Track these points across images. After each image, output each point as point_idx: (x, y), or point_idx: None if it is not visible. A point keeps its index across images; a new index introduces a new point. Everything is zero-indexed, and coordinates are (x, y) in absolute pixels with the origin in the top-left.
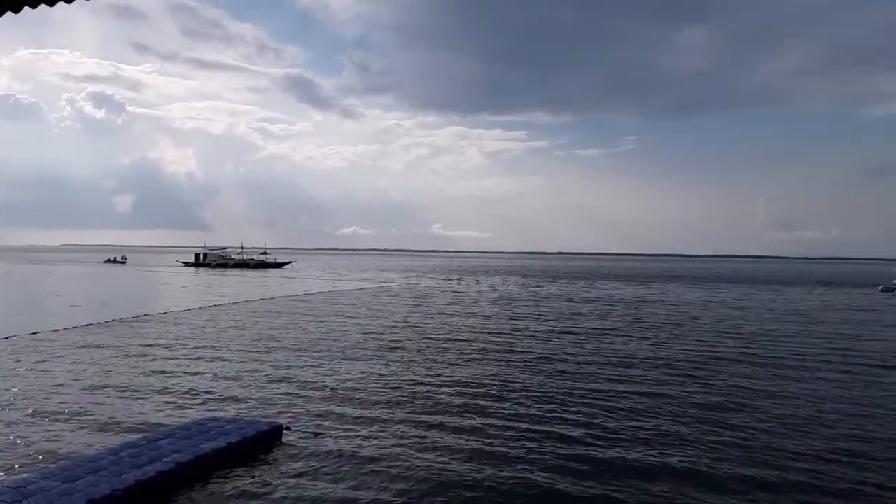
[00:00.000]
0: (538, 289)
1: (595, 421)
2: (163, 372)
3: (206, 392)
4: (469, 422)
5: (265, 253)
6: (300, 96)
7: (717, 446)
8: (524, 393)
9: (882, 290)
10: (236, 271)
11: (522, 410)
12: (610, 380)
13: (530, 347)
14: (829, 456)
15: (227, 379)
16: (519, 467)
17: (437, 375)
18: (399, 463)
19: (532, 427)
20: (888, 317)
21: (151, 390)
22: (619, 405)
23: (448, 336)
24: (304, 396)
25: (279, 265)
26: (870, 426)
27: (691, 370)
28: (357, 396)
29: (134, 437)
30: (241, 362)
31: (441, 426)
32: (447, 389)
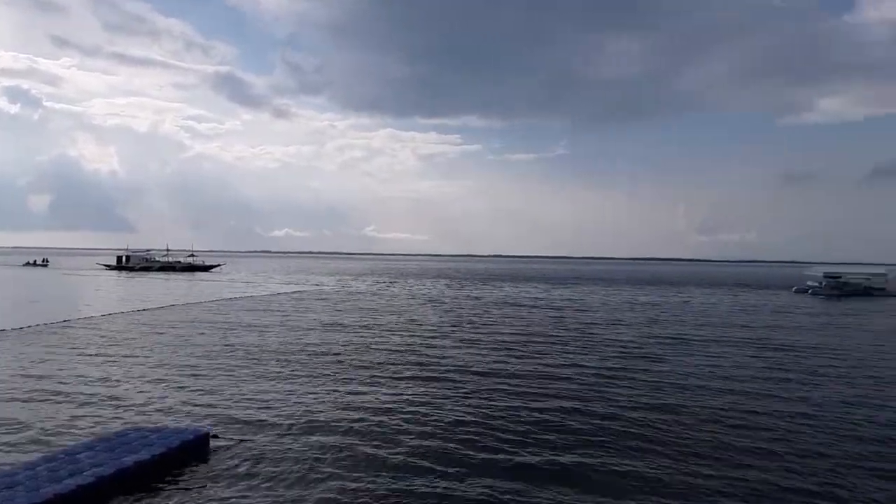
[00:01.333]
0: (466, 291)
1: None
2: (82, 380)
3: (128, 400)
4: (391, 424)
5: (192, 255)
6: (230, 95)
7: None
8: (441, 397)
9: (795, 292)
10: (161, 275)
11: (438, 414)
12: (517, 387)
13: (448, 351)
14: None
15: (150, 386)
16: (433, 476)
17: (360, 379)
18: (328, 468)
19: (446, 430)
20: (800, 317)
21: (70, 400)
22: (519, 412)
23: (370, 341)
24: (231, 402)
25: (207, 268)
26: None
27: (600, 372)
28: (283, 401)
29: (51, 450)
30: (165, 368)
31: (364, 431)
32: (370, 394)
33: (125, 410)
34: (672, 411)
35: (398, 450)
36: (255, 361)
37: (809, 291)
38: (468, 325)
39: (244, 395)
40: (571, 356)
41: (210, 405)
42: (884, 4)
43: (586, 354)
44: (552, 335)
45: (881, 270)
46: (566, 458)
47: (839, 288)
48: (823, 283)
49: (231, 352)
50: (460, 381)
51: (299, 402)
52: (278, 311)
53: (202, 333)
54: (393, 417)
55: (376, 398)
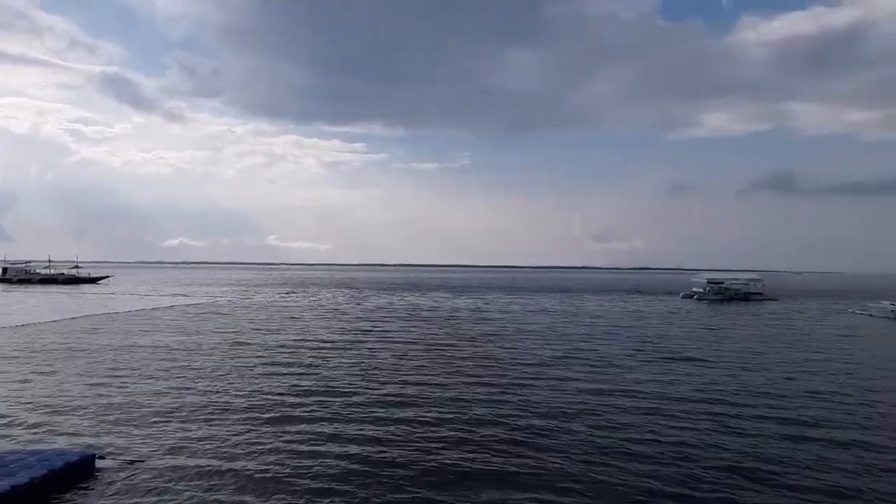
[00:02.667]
0: (369, 301)
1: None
2: None
3: (5, 420)
4: (284, 435)
5: (77, 267)
6: (118, 95)
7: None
8: (336, 403)
9: (683, 297)
10: (42, 287)
11: (330, 417)
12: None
13: (344, 358)
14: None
15: (31, 406)
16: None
17: (255, 392)
18: (219, 491)
19: (339, 431)
20: (687, 320)
21: None
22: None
23: (263, 353)
24: (118, 422)
25: (93, 280)
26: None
27: (487, 373)
28: (175, 420)
29: None
30: (46, 388)
31: (257, 452)
32: (264, 405)
33: (7, 431)
34: (561, 417)
35: (289, 471)
36: (145, 380)
37: (695, 297)
38: (361, 334)
39: (135, 414)
40: (459, 364)
41: (97, 425)
42: (760, 27)
43: (479, 360)
44: (442, 343)
45: (757, 277)
46: (447, 458)
47: (721, 293)
48: (707, 289)
49: (119, 370)
50: (351, 392)
51: (191, 423)
52: (168, 325)
53: (85, 350)
54: (286, 435)
55: (270, 418)
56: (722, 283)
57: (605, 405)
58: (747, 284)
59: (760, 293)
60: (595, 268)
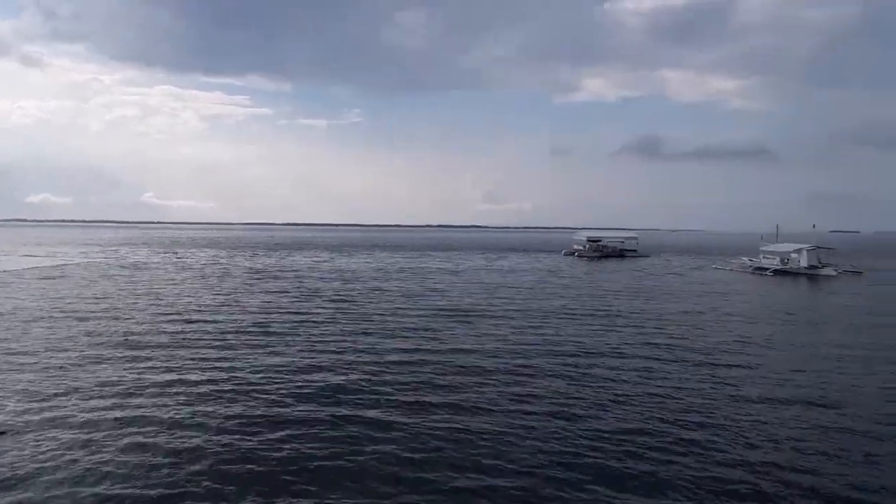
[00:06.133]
0: (252, 262)
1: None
2: None
3: None
4: (147, 408)
5: None
6: None
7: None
8: (199, 372)
9: (564, 254)
10: None
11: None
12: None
13: (203, 325)
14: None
15: None
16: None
17: (120, 364)
18: (90, 461)
19: (204, 408)
20: (564, 276)
21: None
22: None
23: (124, 321)
24: None
25: None
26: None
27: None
28: (42, 390)
29: None
30: None
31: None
32: (140, 381)
33: None
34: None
35: (153, 441)
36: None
37: (576, 254)
38: (230, 299)
39: None
40: (340, 326)
41: None
42: None
43: (358, 324)
44: (310, 305)
45: (633, 235)
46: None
47: (599, 250)
48: (587, 247)
49: None
50: (220, 353)
51: (62, 392)
52: (26, 289)
53: None
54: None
55: (138, 384)
56: (600, 240)
57: (475, 362)
58: (623, 242)
59: (635, 250)
60: (484, 227)
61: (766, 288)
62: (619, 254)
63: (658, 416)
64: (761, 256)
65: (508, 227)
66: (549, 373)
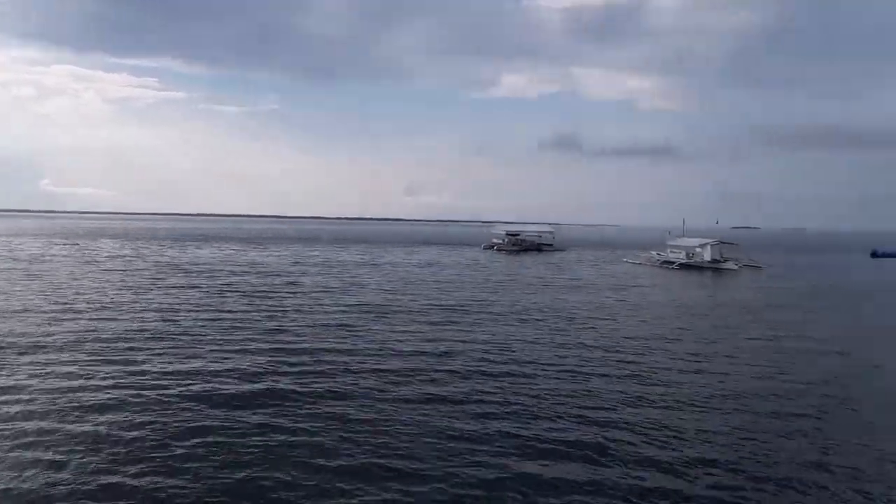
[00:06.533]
0: (152, 256)
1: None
2: None
3: None
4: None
5: None
6: None
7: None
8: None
9: (484, 248)
10: None
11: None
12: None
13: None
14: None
15: None
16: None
17: (17, 368)
18: None
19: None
20: (481, 269)
21: None
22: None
23: (24, 319)
24: None
25: None
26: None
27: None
28: None
29: None
30: None
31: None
32: (35, 387)
33: None
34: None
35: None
36: None
37: (494, 248)
38: (136, 295)
39: None
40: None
41: None
42: None
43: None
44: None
45: (549, 229)
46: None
47: (518, 244)
48: (506, 240)
49: None
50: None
51: None
52: None
53: None
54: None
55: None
56: (518, 234)
57: (392, 358)
58: (540, 236)
59: (551, 244)
60: (404, 220)
61: (671, 281)
62: (537, 248)
63: (570, 411)
64: (668, 251)
65: (429, 220)
66: (466, 370)
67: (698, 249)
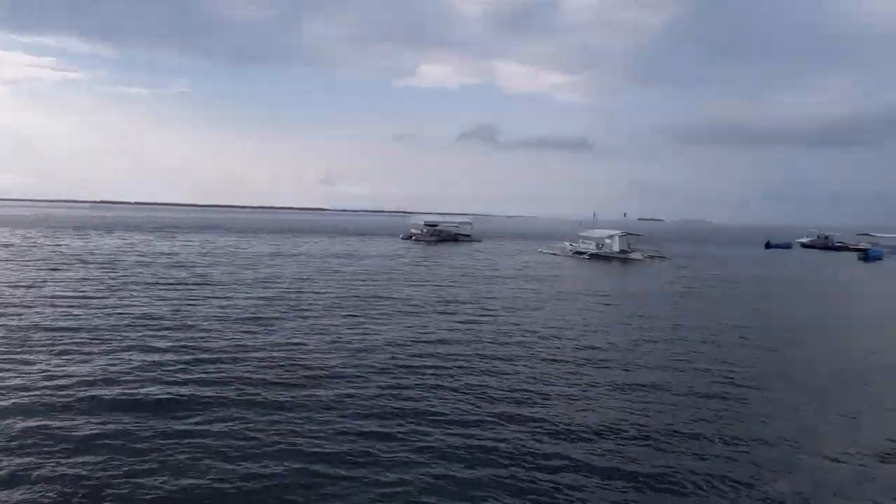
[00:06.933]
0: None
1: None
2: None
3: None
4: None
5: None
6: None
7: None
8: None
9: (402, 238)
10: None
11: None
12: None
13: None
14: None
15: None
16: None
17: None
18: None
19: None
20: (398, 260)
21: None
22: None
23: None
24: None
25: None
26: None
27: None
28: None
29: None
30: None
31: None
32: None
33: None
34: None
35: None
36: None
37: (413, 238)
38: (25, 289)
39: None
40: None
41: None
42: None
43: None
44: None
45: (468, 220)
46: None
47: (436, 235)
48: (424, 231)
49: None
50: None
51: None
52: None
53: None
54: None
55: None
56: (437, 225)
57: (304, 353)
58: (458, 227)
59: (469, 235)
60: (326, 210)
61: (583, 271)
62: (455, 238)
63: (484, 403)
64: (580, 241)
65: (347, 210)
66: (381, 366)
67: (608, 240)
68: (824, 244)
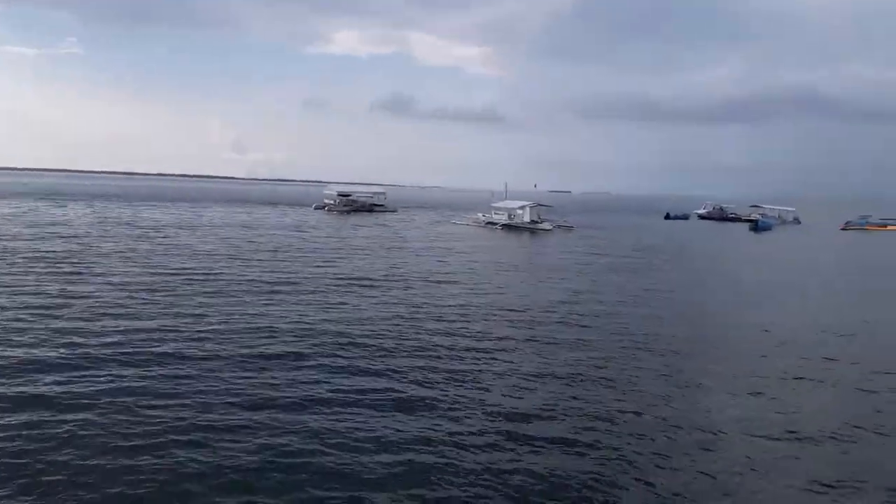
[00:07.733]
0: None
1: None
2: None
3: None
4: None
5: None
6: None
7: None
8: None
9: (315, 208)
10: None
11: None
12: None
13: None
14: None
15: None
16: None
17: None
18: None
19: None
20: (316, 230)
21: None
22: None
23: None
24: None
25: None
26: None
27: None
28: None
29: None
30: None
31: None
32: None
33: None
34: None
35: None
36: None
37: (326, 208)
38: None
39: None
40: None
41: None
42: None
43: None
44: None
45: (381, 190)
46: None
47: (350, 205)
48: (337, 201)
49: None
50: None
51: None
52: None
53: None
54: None
55: None
56: (350, 195)
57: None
58: (372, 197)
59: (383, 205)
60: (231, 178)
61: (495, 241)
62: (369, 208)
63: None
64: (492, 212)
65: (257, 179)
66: (290, 348)
67: (519, 211)
68: (720, 215)
